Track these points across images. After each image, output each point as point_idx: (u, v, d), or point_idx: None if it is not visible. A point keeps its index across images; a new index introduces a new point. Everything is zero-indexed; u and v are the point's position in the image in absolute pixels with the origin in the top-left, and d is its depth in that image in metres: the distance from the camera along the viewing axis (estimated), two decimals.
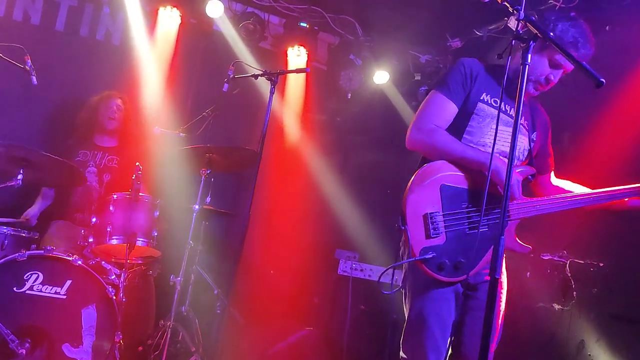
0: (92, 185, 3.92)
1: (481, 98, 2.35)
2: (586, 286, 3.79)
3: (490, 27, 4.83)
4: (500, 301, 2.34)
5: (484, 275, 2.27)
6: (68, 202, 4.01)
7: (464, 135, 2.33)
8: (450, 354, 2.25)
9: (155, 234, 3.63)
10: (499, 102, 2.35)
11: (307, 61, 5.53)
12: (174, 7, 5.03)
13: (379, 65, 5.59)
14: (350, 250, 5.03)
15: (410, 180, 2.20)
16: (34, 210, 4.01)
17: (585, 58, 2.29)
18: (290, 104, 5.62)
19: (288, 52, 5.50)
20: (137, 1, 4.92)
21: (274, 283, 5.04)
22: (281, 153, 5.38)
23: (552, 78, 2.36)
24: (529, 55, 1.80)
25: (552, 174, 2.66)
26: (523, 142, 2.41)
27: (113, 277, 3.41)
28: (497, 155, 2.33)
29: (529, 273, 4.05)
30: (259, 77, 3.53)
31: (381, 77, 5.56)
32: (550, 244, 4.06)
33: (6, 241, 3.38)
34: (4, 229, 3.42)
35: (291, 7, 5.44)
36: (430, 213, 2.16)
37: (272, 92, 3.41)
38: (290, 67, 5.46)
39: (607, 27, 4.13)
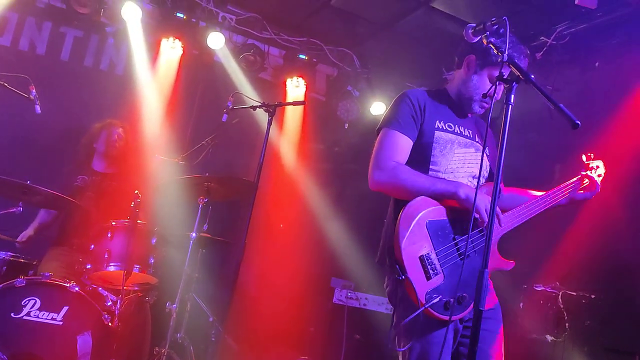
0: (90, 212, 3.97)
1: (436, 126, 2.34)
2: (579, 318, 3.81)
3: None
4: (500, 331, 2.31)
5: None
6: (66, 229, 4.05)
7: (430, 167, 2.31)
8: None
9: (152, 261, 3.65)
10: (453, 126, 2.38)
11: (305, 92, 5.65)
12: (177, 38, 5.17)
13: (375, 97, 5.72)
14: (345, 279, 5.05)
15: (397, 227, 2.13)
16: (28, 232, 4.07)
17: (524, 64, 2.32)
18: (288, 133, 5.72)
19: (287, 83, 5.63)
20: (141, 33, 5.06)
21: (269, 311, 5.04)
22: (278, 182, 5.45)
23: (494, 93, 2.27)
24: (512, 96, 1.87)
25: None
26: (484, 160, 2.37)
27: (109, 303, 3.41)
28: (467, 179, 2.34)
29: (522, 304, 4.07)
30: (257, 108, 3.62)
31: (378, 108, 5.68)
32: (544, 275, 4.10)
33: (4, 267, 3.42)
34: (2, 255, 3.45)
35: (291, 39, 5.60)
36: (424, 255, 2.13)
37: (269, 123, 3.50)
38: (289, 97, 5.58)
39: (597, 64, 4.27)
